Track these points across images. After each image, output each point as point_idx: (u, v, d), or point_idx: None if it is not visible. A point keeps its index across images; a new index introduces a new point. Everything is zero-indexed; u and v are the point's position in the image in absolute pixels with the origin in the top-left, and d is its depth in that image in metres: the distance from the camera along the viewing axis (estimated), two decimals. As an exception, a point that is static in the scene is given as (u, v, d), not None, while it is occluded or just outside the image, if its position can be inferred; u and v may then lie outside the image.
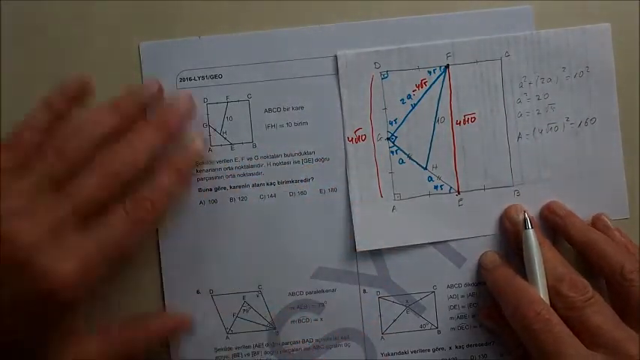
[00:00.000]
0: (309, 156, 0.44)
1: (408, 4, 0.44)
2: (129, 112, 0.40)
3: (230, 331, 0.45)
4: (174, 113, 0.41)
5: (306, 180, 0.44)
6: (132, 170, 0.38)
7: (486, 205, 0.44)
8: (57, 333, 0.38)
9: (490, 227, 0.44)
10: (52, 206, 0.36)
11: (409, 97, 0.44)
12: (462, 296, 0.45)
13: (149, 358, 0.43)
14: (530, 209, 0.44)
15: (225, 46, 0.44)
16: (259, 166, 0.44)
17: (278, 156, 0.44)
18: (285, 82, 0.44)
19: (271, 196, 0.44)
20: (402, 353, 0.45)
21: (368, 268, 0.44)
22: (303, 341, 0.45)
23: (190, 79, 0.44)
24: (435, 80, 0.44)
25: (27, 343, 0.37)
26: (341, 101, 0.44)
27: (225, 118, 0.44)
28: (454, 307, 0.45)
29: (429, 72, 0.44)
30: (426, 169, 0.44)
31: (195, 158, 0.43)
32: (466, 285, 0.45)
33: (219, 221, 0.44)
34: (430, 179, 0.44)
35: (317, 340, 0.45)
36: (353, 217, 0.44)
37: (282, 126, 0.44)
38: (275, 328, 0.45)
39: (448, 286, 0.45)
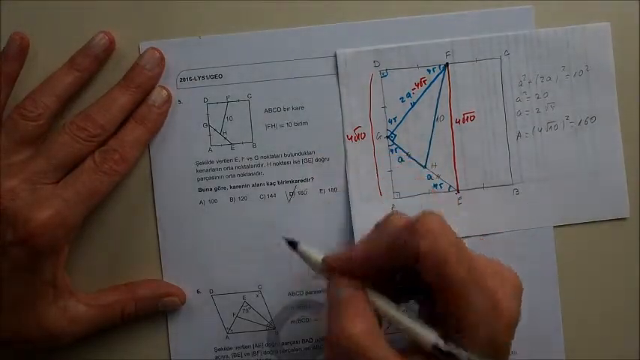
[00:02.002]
0: (309, 156, 0.44)
1: (408, 4, 0.44)
2: (84, 66, 0.43)
3: (230, 331, 0.45)
4: (142, 72, 0.43)
5: (306, 180, 0.44)
6: (104, 132, 0.42)
7: (486, 204, 0.44)
8: (39, 283, 0.40)
9: (489, 226, 0.44)
10: (28, 161, 0.40)
11: (409, 95, 0.44)
12: (462, 296, 0.45)
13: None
14: (529, 208, 0.44)
15: (225, 46, 0.44)
16: (259, 166, 0.44)
17: (278, 156, 0.44)
18: (285, 82, 0.44)
19: (271, 196, 0.44)
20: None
21: (368, 267, 0.44)
22: (303, 341, 0.45)
23: (190, 79, 0.44)
24: (435, 79, 0.44)
25: (12, 295, 0.39)
26: (340, 100, 0.44)
27: (225, 118, 0.44)
28: (454, 306, 0.45)
29: (429, 70, 0.44)
30: (425, 167, 0.44)
31: (159, 108, 0.43)
32: (466, 285, 0.45)
33: (219, 221, 0.44)
34: (429, 177, 0.44)
35: (317, 340, 0.45)
36: (352, 215, 0.44)
37: (282, 126, 0.44)
38: (275, 328, 0.45)
39: (448, 286, 0.45)
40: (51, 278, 0.40)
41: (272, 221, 0.44)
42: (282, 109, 0.44)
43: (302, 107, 0.44)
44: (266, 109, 0.44)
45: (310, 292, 0.45)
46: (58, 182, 0.40)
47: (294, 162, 0.44)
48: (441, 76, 0.44)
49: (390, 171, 0.44)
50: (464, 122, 0.44)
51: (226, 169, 0.44)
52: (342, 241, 0.44)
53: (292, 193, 0.44)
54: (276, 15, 0.44)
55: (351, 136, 0.44)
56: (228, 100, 0.44)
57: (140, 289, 0.43)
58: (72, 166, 0.41)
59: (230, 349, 0.45)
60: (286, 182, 0.44)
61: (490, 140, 0.44)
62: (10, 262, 0.39)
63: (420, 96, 0.44)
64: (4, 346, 0.40)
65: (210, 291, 0.44)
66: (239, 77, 0.44)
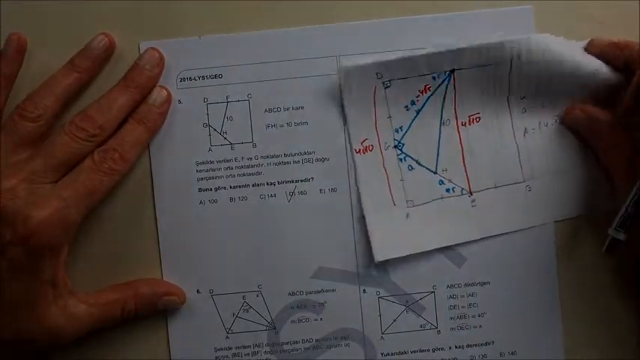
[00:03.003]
0: (309, 156, 0.44)
1: (409, 4, 0.44)
2: (84, 66, 0.43)
3: (230, 331, 0.45)
4: (141, 72, 0.43)
5: (306, 180, 0.44)
6: (103, 132, 0.42)
7: (499, 204, 0.44)
8: (39, 283, 0.40)
9: (504, 226, 0.44)
10: (27, 161, 0.40)
11: (413, 103, 0.44)
12: (462, 296, 0.45)
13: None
14: (543, 204, 0.44)
15: (225, 46, 0.44)
16: (259, 166, 0.44)
17: (278, 156, 0.44)
18: (285, 82, 0.44)
19: (271, 196, 0.44)
20: (402, 353, 0.45)
21: (368, 268, 0.44)
22: (303, 341, 0.45)
23: (190, 79, 0.44)
24: (439, 85, 0.43)
25: (11, 295, 0.39)
26: (345, 114, 0.44)
27: (225, 118, 0.44)
28: (454, 307, 0.45)
29: (434, 78, 0.43)
30: (436, 173, 0.44)
31: (159, 108, 0.43)
32: (466, 285, 0.45)
33: (219, 221, 0.44)
34: (441, 183, 0.44)
35: (317, 340, 0.45)
36: (368, 227, 0.44)
37: (282, 126, 0.44)
38: (275, 328, 0.45)
39: (448, 286, 0.45)
40: (50, 277, 0.40)
41: (272, 221, 0.44)
42: (282, 109, 0.44)
43: (302, 107, 0.44)
44: (266, 109, 0.44)
45: (310, 292, 0.45)
46: (57, 182, 0.40)
47: (294, 162, 0.44)
48: (445, 82, 0.43)
49: (402, 180, 0.44)
50: (470, 124, 0.44)
51: (226, 169, 0.44)
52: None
53: (292, 193, 0.44)
54: (276, 15, 0.44)
55: (359, 150, 0.44)
56: (228, 100, 0.44)
57: (140, 288, 0.43)
58: (71, 166, 0.41)
59: (230, 349, 0.45)
60: (286, 182, 0.44)
61: (497, 139, 0.44)
62: (10, 262, 0.39)
63: (425, 102, 0.44)
64: (4, 346, 0.40)
65: (210, 291, 0.44)
66: (239, 77, 0.44)
